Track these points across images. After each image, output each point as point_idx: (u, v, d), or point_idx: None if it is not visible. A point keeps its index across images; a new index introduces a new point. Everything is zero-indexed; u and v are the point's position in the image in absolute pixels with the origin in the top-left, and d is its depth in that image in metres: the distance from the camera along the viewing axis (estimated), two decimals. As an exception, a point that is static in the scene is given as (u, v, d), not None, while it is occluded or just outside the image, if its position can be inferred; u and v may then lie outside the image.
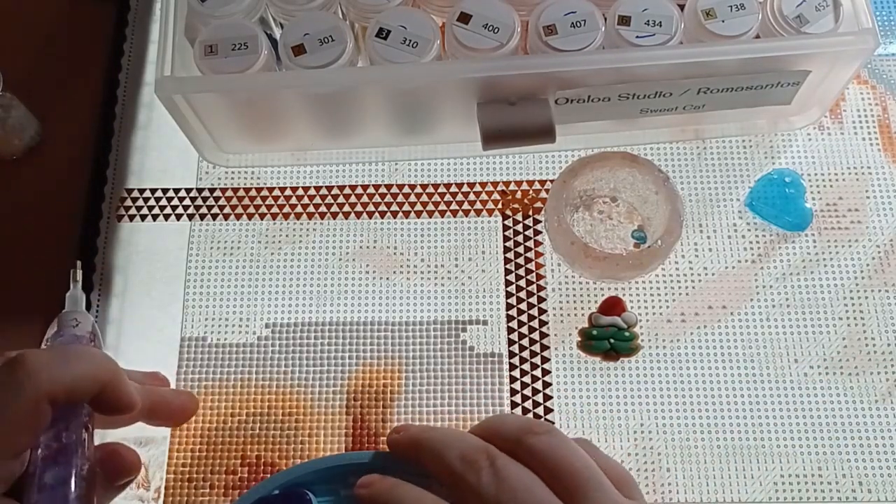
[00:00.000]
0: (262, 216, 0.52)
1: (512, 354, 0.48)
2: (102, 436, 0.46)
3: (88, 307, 0.49)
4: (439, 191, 0.52)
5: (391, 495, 0.34)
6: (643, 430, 0.46)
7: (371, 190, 0.52)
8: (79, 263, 0.44)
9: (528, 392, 0.47)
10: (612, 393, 0.47)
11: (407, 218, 0.51)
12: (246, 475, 0.46)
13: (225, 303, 0.50)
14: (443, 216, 0.51)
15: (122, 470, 0.41)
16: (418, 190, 0.52)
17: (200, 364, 0.48)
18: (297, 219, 0.52)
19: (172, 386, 0.47)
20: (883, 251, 0.50)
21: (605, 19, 0.47)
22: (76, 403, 0.37)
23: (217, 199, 0.52)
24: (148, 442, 0.46)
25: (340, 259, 0.51)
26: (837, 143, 0.53)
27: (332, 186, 0.52)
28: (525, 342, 0.48)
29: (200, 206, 0.52)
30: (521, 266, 0.50)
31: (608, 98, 0.48)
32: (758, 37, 0.47)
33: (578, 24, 0.47)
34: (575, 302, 0.49)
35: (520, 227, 0.51)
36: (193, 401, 0.45)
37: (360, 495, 0.35)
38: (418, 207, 0.52)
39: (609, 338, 0.48)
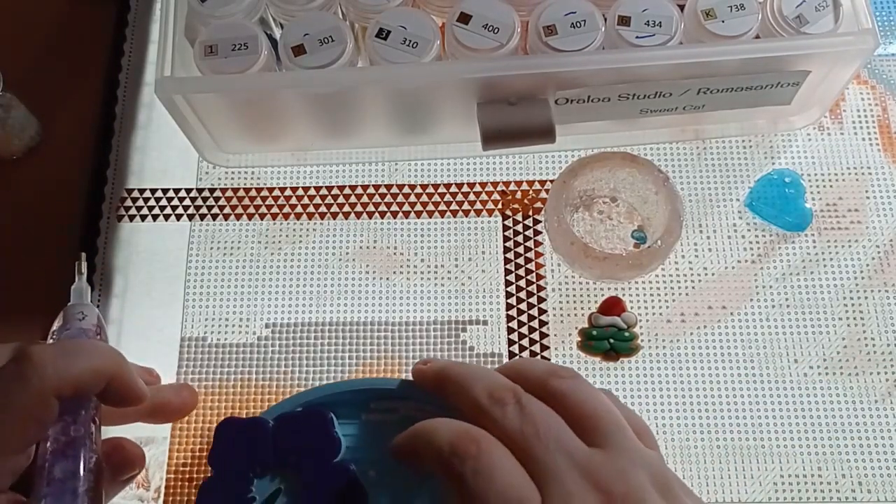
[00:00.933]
0: (262, 216, 0.52)
1: (512, 354, 0.48)
2: (104, 430, 0.46)
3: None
4: (439, 191, 0.52)
5: (425, 428, 0.34)
6: (643, 430, 0.46)
7: (371, 190, 0.52)
8: (83, 255, 0.44)
9: (528, 392, 0.47)
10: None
11: (407, 218, 0.51)
12: (246, 475, 0.46)
13: (225, 303, 0.50)
14: (443, 216, 0.52)
15: (126, 464, 0.41)
16: (418, 190, 0.52)
17: (200, 364, 0.48)
18: (297, 219, 0.52)
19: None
20: (883, 251, 0.50)
21: (605, 19, 0.47)
22: (83, 397, 0.37)
23: (217, 199, 0.52)
24: (148, 442, 0.46)
25: (340, 259, 0.51)
26: (837, 144, 0.53)
27: (332, 186, 0.52)
28: (525, 342, 0.48)
29: (200, 207, 0.52)
30: (521, 266, 0.50)
31: (608, 98, 0.48)
32: (758, 37, 0.47)
33: (578, 24, 0.47)
34: (575, 302, 0.49)
35: (520, 227, 0.51)
36: (193, 396, 0.45)
37: (396, 444, 0.35)
38: (418, 207, 0.52)
39: (609, 338, 0.48)
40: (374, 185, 0.52)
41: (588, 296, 0.49)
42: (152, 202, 0.52)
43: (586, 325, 0.49)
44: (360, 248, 0.51)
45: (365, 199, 0.52)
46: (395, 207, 0.52)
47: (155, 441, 0.46)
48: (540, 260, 0.50)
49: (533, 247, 0.51)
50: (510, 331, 0.49)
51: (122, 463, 0.41)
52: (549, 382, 0.34)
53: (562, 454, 0.32)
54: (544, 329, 0.48)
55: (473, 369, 0.36)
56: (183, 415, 0.45)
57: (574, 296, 0.49)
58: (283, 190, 0.52)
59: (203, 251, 0.51)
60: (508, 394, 0.34)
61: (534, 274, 0.50)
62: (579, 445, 0.32)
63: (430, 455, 0.33)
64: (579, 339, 0.48)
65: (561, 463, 0.32)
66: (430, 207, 0.52)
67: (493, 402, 0.34)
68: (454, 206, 0.52)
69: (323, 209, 0.52)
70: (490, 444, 0.32)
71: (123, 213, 0.52)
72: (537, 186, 0.52)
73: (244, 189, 0.52)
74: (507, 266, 0.50)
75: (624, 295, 0.49)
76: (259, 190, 0.52)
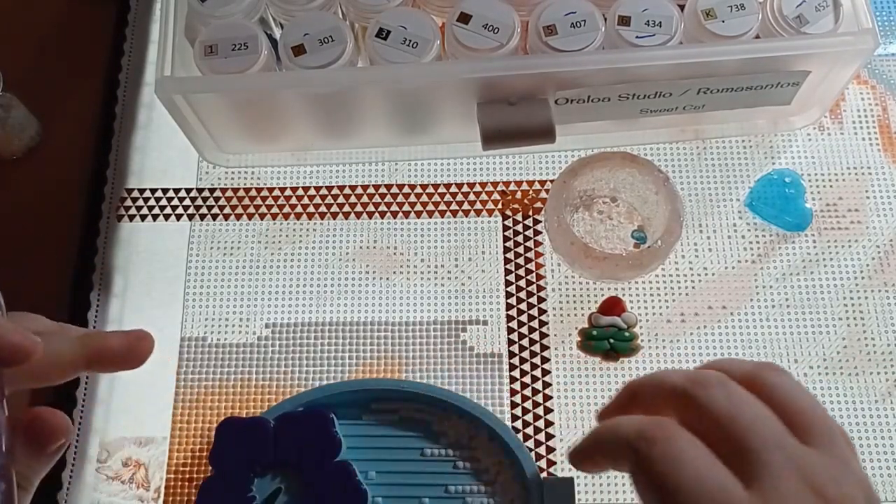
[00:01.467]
0: (262, 216, 0.52)
1: (512, 354, 0.48)
2: (103, 430, 0.46)
3: (88, 307, 0.49)
4: (439, 191, 0.52)
5: (606, 425, 0.32)
6: (643, 430, 0.46)
7: (371, 190, 0.52)
8: None
9: (528, 392, 0.47)
10: (612, 393, 0.47)
11: (407, 218, 0.51)
12: (246, 475, 0.46)
13: (225, 303, 0.50)
14: (443, 216, 0.51)
15: (49, 434, 0.36)
16: (418, 190, 0.52)
17: (200, 364, 0.48)
18: (297, 219, 0.52)
19: (172, 385, 0.47)
20: (883, 251, 0.50)
21: (605, 19, 0.47)
22: None
23: (217, 199, 0.52)
24: (148, 442, 0.46)
25: (340, 259, 0.51)
26: (837, 143, 0.53)
27: (332, 186, 0.52)
28: (525, 342, 0.48)
29: (200, 206, 0.52)
30: (521, 266, 0.50)
31: (608, 98, 0.48)
32: (758, 37, 0.47)
33: (578, 24, 0.47)
34: (575, 302, 0.49)
35: (520, 227, 0.51)
36: (144, 341, 0.38)
37: (578, 451, 0.33)
38: (418, 207, 0.52)
39: (609, 338, 0.48)
40: (374, 185, 0.52)
41: (588, 296, 0.49)
42: (152, 202, 0.52)
43: (586, 325, 0.49)
44: (360, 248, 0.51)
45: (365, 199, 0.52)
46: (395, 207, 0.52)
47: (155, 441, 0.46)
48: (540, 260, 0.50)
49: (533, 247, 0.51)
50: (510, 331, 0.49)
51: (45, 434, 0.37)
52: (760, 374, 0.32)
53: (779, 448, 0.29)
54: (544, 329, 0.48)
55: (665, 371, 0.34)
56: (133, 362, 0.38)
57: (574, 296, 0.49)
58: (283, 190, 0.52)
59: (203, 251, 0.51)
60: (713, 379, 0.31)
61: (534, 274, 0.50)
62: (795, 442, 0.30)
63: (614, 446, 0.31)
64: (579, 339, 0.48)
65: (777, 458, 0.29)
66: (430, 207, 0.52)
67: (695, 385, 0.31)
68: (454, 206, 0.52)
69: (323, 209, 0.52)
70: (678, 429, 0.30)
71: (123, 212, 0.52)
72: (537, 186, 0.52)
73: (244, 189, 0.52)
74: (507, 266, 0.50)
75: (624, 295, 0.49)
76: (259, 190, 0.52)
